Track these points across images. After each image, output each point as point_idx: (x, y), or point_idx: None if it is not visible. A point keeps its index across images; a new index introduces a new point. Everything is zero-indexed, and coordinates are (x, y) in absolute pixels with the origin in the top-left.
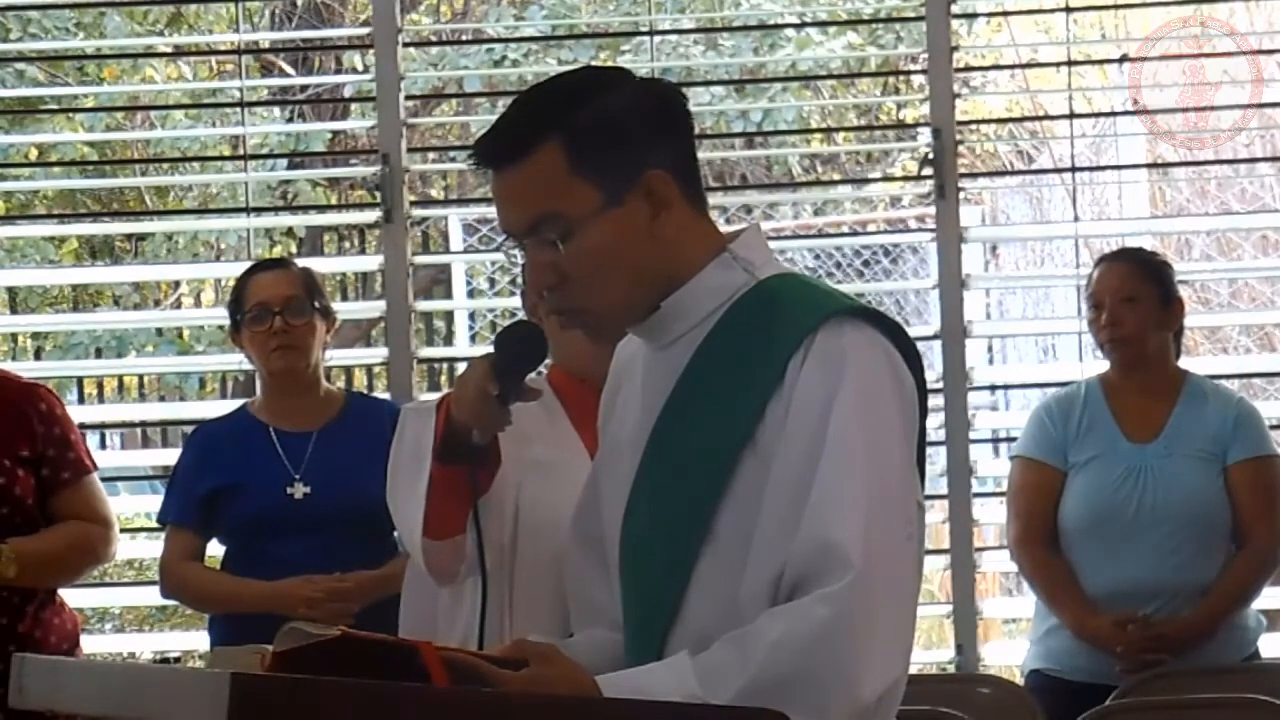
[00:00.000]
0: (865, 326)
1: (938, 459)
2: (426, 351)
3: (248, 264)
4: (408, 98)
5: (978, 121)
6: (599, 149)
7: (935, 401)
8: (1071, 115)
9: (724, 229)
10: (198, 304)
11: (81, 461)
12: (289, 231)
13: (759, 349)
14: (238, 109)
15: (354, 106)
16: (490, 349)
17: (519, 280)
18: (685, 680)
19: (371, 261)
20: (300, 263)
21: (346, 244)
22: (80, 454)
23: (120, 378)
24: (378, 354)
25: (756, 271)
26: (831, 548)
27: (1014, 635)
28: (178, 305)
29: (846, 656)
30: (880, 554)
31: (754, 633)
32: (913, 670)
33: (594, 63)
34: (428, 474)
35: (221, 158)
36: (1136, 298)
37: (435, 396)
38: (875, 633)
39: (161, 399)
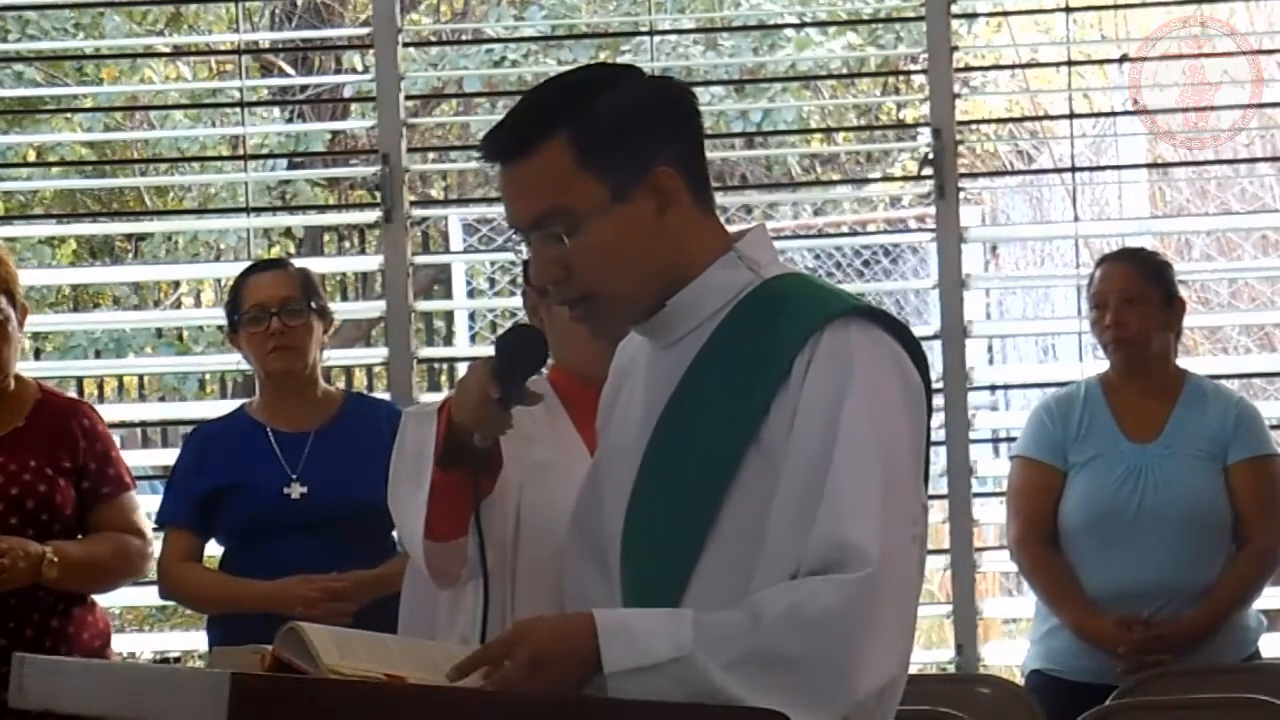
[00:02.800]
0: (872, 326)
1: (938, 459)
2: (426, 351)
3: (247, 264)
4: (408, 98)
5: (978, 121)
6: (606, 145)
7: (935, 401)
8: (1071, 115)
9: (729, 228)
10: (197, 304)
11: (121, 477)
12: (288, 231)
13: (765, 347)
14: (237, 109)
15: (354, 106)
16: (491, 351)
17: (519, 280)
18: (681, 633)
19: (371, 261)
20: (298, 263)
21: (346, 244)
22: (120, 470)
23: (120, 378)
24: (378, 354)
25: (762, 271)
26: (849, 547)
27: (1014, 635)
28: (177, 305)
29: (848, 646)
30: (893, 554)
31: (763, 602)
32: (913, 670)
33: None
34: (429, 478)
35: (221, 158)
36: (1140, 298)
37: (437, 398)
38: (879, 628)
39: (161, 399)
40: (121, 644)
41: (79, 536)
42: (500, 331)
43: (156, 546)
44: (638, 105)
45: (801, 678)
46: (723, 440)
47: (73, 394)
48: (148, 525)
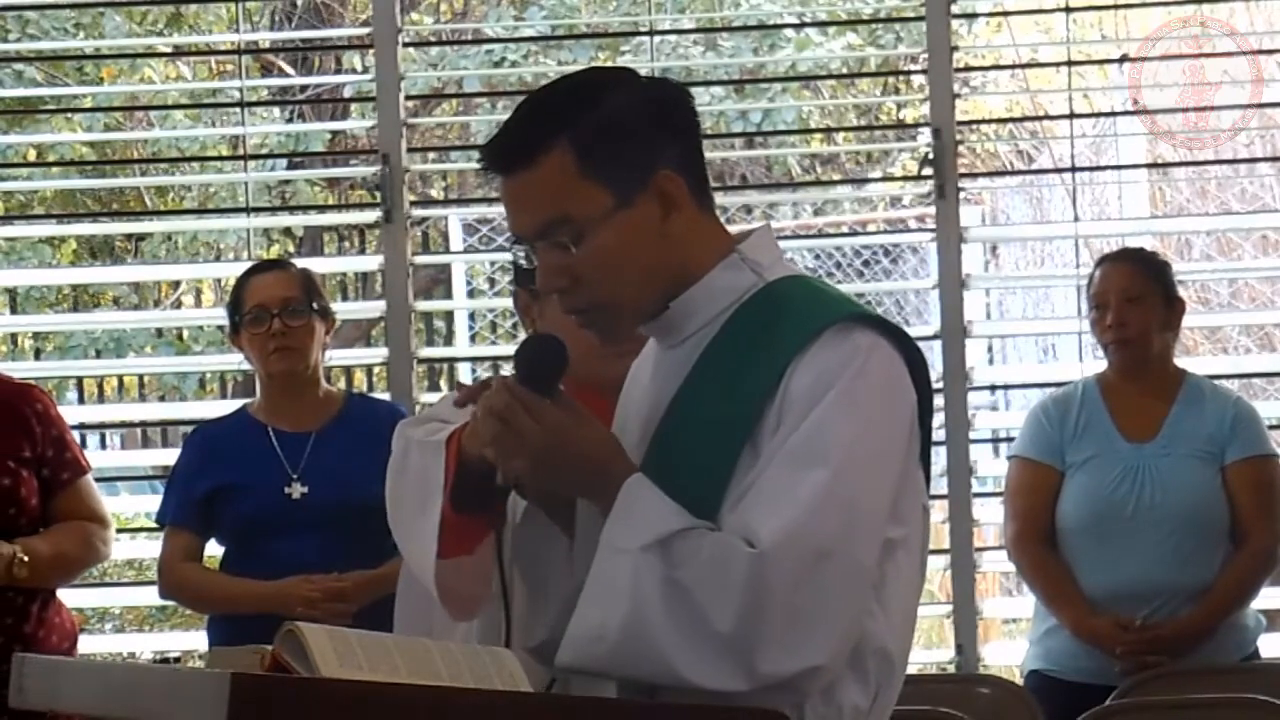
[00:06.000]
0: (873, 333)
1: (938, 459)
2: (426, 351)
3: (247, 264)
4: (408, 98)
5: (978, 121)
6: (608, 151)
7: (935, 401)
8: (1071, 115)
9: (733, 229)
10: (197, 304)
11: (78, 461)
12: (288, 231)
13: (764, 350)
14: (237, 109)
15: (354, 106)
16: (485, 352)
17: (514, 281)
18: (664, 527)
19: (371, 261)
20: (299, 263)
21: (346, 244)
22: (76, 454)
23: (120, 378)
24: (378, 354)
25: (765, 273)
26: (750, 531)
27: (1014, 635)
28: (177, 305)
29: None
30: (799, 546)
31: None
32: (913, 670)
33: (594, 63)
34: (438, 512)
35: (221, 158)
36: (1142, 298)
37: (436, 399)
38: (784, 612)
39: (161, 399)
40: (122, 644)
41: (42, 526)
42: (519, 345)
43: (158, 542)
44: (637, 109)
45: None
46: (720, 442)
47: (71, 393)
48: (107, 508)
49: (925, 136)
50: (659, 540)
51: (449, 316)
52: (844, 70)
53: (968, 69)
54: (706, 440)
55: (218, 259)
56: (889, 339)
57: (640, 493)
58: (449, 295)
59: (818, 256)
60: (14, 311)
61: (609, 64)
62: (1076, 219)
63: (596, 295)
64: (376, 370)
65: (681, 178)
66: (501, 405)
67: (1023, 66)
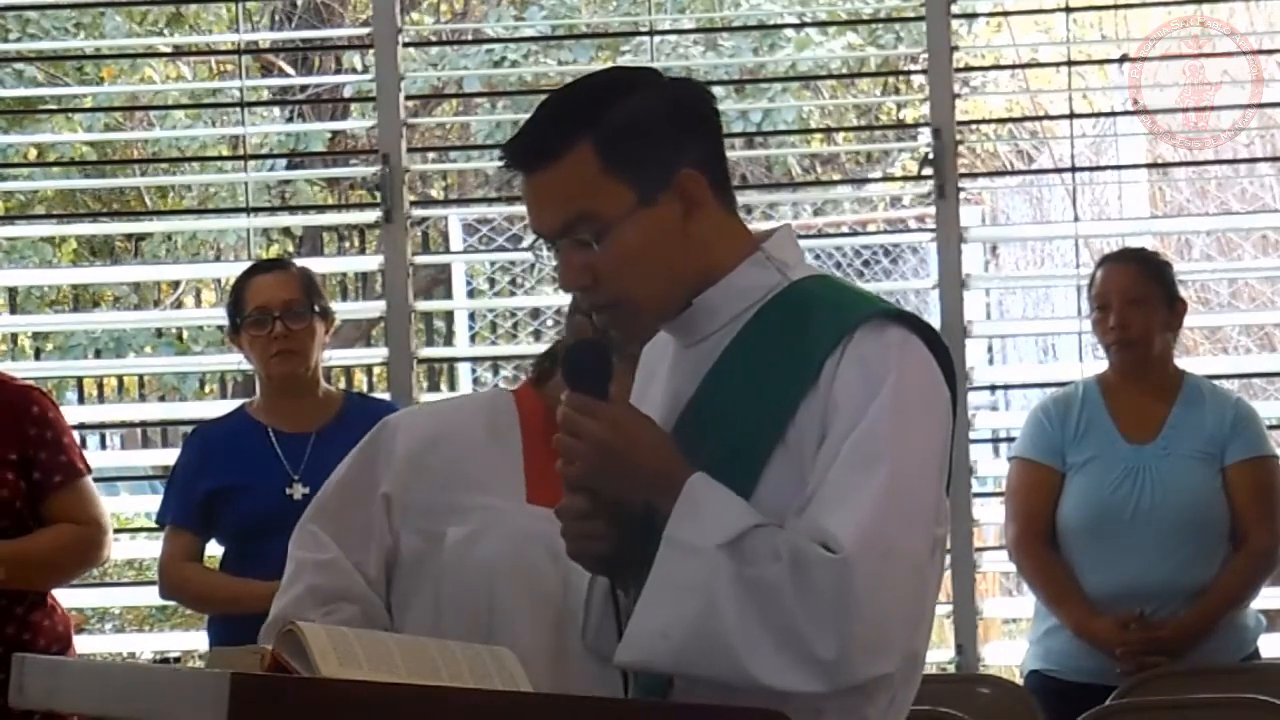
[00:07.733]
0: (905, 331)
1: None
2: (426, 351)
3: (247, 264)
4: (408, 98)
5: (978, 121)
6: (631, 149)
7: None
8: (1071, 115)
9: (754, 228)
10: (197, 304)
11: (74, 464)
12: (288, 231)
13: (794, 347)
14: (237, 109)
15: (354, 106)
16: (485, 352)
17: (518, 280)
18: (738, 525)
19: (371, 261)
20: (299, 263)
21: (346, 244)
22: (73, 457)
23: (120, 378)
24: (378, 354)
25: (789, 272)
26: (825, 534)
27: (1014, 635)
28: (177, 305)
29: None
30: (875, 549)
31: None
32: None
33: (594, 63)
34: None
35: (221, 158)
36: (1144, 299)
37: (436, 398)
38: (864, 614)
39: (161, 399)
40: (122, 644)
41: (34, 529)
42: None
43: (158, 542)
44: (660, 108)
45: (796, 624)
46: (749, 439)
47: (71, 393)
48: (104, 512)
49: (925, 136)
50: (732, 539)
51: (449, 316)
52: (844, 70)
53: (968, 69)
54: (734, 436)
55: (218, 259)
56: (919, 336)
57: (706, 490)
58: (449, 295)
59: (818, 256)
60: (14, 311)
61: (609, 64)
62: (1076, 219)
63: (618, 293)
64: (376, 370)
65: (704, 177)
66: (560, 416)
67: (1023, 66)
